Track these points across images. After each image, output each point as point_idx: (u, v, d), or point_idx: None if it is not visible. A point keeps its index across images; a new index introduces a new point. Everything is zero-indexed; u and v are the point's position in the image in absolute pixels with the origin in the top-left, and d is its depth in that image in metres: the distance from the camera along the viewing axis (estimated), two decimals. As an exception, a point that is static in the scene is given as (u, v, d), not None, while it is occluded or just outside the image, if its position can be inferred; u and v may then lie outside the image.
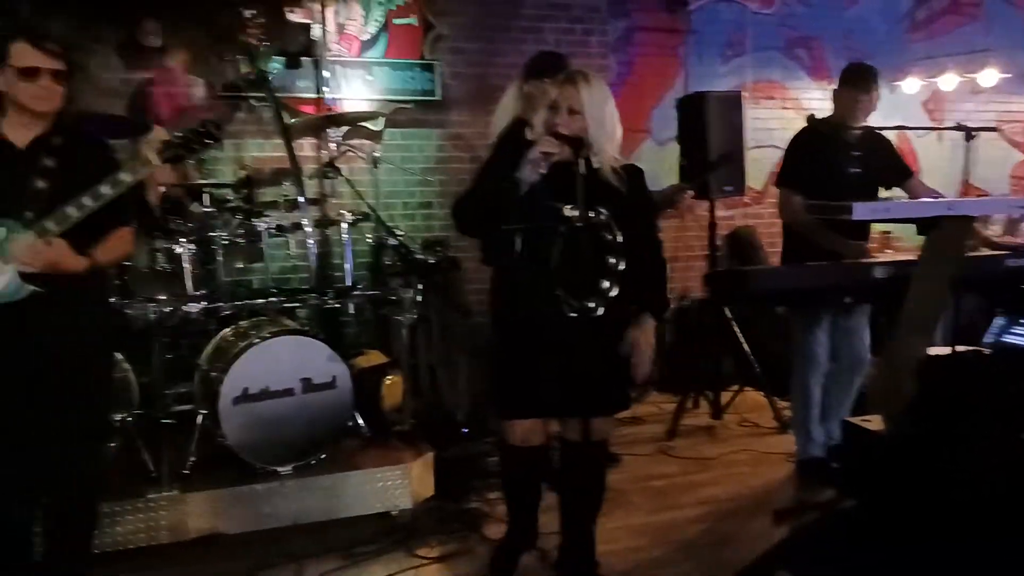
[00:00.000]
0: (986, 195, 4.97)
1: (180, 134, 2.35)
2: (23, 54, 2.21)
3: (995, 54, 5.65)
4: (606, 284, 1.92)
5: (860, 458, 2.49)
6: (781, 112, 5.61)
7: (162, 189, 3.23)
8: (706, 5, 5.42)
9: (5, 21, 2.91)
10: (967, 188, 3.63)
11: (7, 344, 2.13)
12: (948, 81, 5.43)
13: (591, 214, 1.89)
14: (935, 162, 5.76)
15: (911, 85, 5.58)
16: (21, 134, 2.29)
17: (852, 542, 2.25)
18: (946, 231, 2.83)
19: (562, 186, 1.96)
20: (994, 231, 3.84)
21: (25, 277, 2.20)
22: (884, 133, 3.67)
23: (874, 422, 2.67)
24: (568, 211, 1.90)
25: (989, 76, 5.23)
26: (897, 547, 2.15)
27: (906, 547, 2.15)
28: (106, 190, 2.22)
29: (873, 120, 5.36)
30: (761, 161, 5.53)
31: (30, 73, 2.22)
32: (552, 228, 1.90)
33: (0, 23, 2.84)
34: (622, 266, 1.94)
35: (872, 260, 3.12)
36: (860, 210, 2.74)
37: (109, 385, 2.60)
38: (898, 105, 5.83)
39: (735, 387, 4.70)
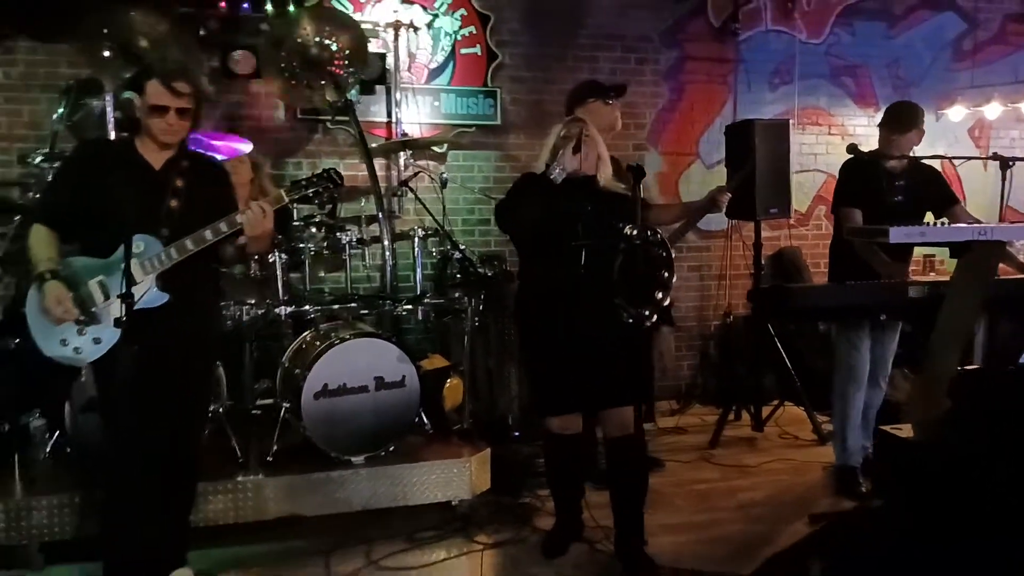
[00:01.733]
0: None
1: (307, 178, 2.72)
2: (156, 92, 2.54)
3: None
4: (660, 295, 2.19)
5: (893, 463, 2.69)
6: (827, 138, 5.80)
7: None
8: (755, 35, 5.66)
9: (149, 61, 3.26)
10: (1004, 214, 3.79)
11: (146, 341, 2.42)
12: (992, 110, 5.57)
13: (648, 233, 2.17)
14: (979, 188, 5.88)
15: (956, 113, 5.73)
16: (156, 156, 2.62)
17: (882, 537, 2.45)
18: (977, 255, 3.03)
19: (618, 208, 2.27)
20: (1026, 259, 3.98)
21: (160, 287, 2.54)
22: (926, 161, 3.87)
23: (905, 430, 2.87)
24: (628, 230, 2.18)
25: (1032, 106, 5.38)
26: (925, 544, 2.35)
27: (934, 544, 2.34)
28: (241, 218, 2.55)
29: (920, 146, 5.59)
30: (806, 184, 5.74)
31: (160, 110, 2.54)
32: (614, 245, 2.18)
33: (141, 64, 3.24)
34: (674, 279, 2.21)
35: (908, 280, 3.32)
36: (895, 234, 2.96)
37: (212, 379, 2.94)
38: (944, 132, 5.99)
39: (776, 401, 4.90)
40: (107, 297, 2.52)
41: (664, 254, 2.17)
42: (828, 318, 3.76)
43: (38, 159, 3.63)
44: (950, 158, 3.90)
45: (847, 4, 5.80)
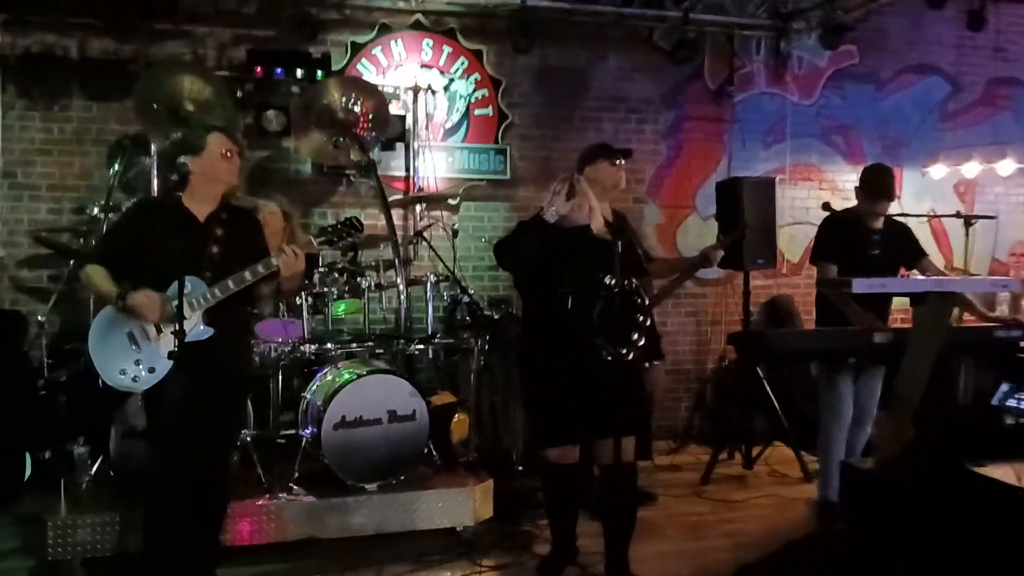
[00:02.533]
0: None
1: (332, 226, 3.12)
2: (220, 142, 2.96)
3: (1016, 144, 6.12)
4: (635, 336, 2.51)
5: (852, 491, 2.97)
6: (818, 192, 6.11)
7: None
8: (749, 97, 6.05)
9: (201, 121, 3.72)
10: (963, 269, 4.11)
11: (193, 371, 2.72)
12: (971, 169, 5.90)
13: (625, 283, 2.50)
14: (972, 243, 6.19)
15: (939, 171, 6.07)
16: (201, 208, 2.98)
17: (843, 557, 2.72)
18: (933, 304, 3.34)
19: (602, 259, 2.62)
20: (1001, 310, 4.26)
21: (206, 322, 2.88)
22: (897, 219, 4.21)
23: (866, 463, 3.15)
24: (607, 280, 2.51)
25: (1007, 166, 5.69)
26: (880, 564, 2.62)
27: (891, 562, 2.60)
28: (276, 261, 2.92)
29: (906, 199, 5.93)
30: (798, 237, 6.07)
31: (226, 156, 2.97)
32: (595, 292, 2.51)
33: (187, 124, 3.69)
34: (648, 322, 2.53)
35: (874, 327, 3.63)
36: (858, 285, 3.28)
37: (245, 407, 3.28)
38: (931, 188, 6.33)
39: (767, 442, 5.16)
40: (160, 332, 2.87)
41: (639, 300, 2.49)
42: (800, 361, 4.06)
43: (95, 210, 4.04)
44: (914, 216, 4.23)
45: (837, 68, 6.19)
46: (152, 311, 2.82)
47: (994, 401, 4.23)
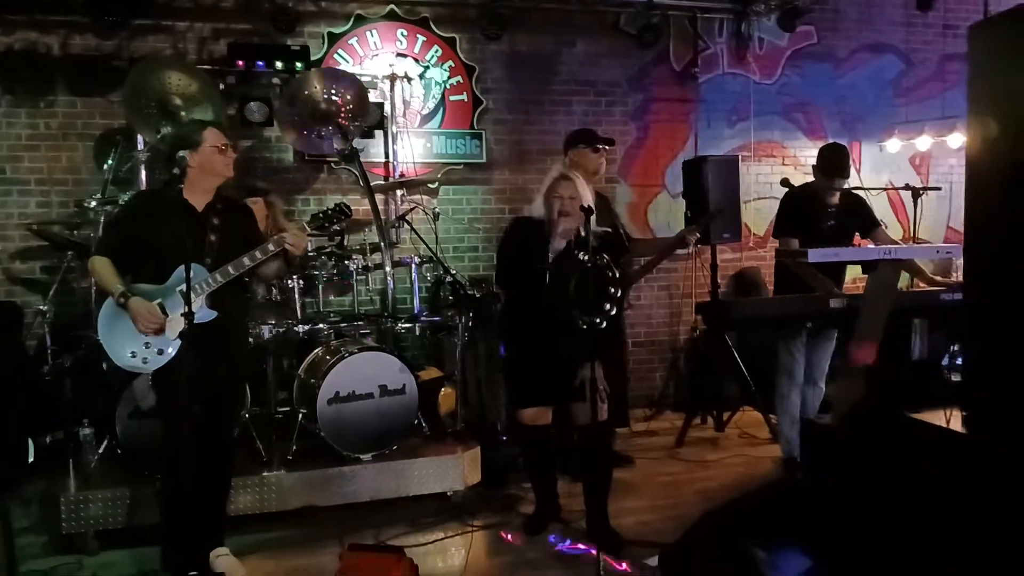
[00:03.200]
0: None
1: (324, 211, 3.35)
2: (215, 136, 3.15)
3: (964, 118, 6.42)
4: (608, 306, 2.75)
5: (811, 444, 3.26)
6: (781, 168, 6.38)
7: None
8: (713, 78, 6.29)
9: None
10: (916, 234, 4.39)
11: (198, 351, 2.93)
12: (923, 142, 6.21)
13: (597, 258, 2.74)
14: (926, 213, 6.50)
15: (893, 145, 6.38)
16: (199, 200, 3.17)
17: (800, 504, 3.00)
18: (883, 271, 3.63)
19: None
20: (957, 276, 4.55)
21: (209, 305, 3.08)
22: (854, 192, 4.49)
23: (824, 419, 3.44)
24: (581, 256, 2.75)
25: (956, 139, 6.00)
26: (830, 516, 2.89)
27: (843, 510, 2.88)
28: (272, 247, 3.14)
29: (865, 172, 6.21)
30: (763, 211, 6.34)
31: (222, 150, 3.15)
32: (571, 268, 2.76)
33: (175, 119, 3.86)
34: (620, 293, 2.78)
35: (831, 294, 3.91)
36: (813, 255, 3.56)
37: (244, 384, 3.48)
38: (888, 161, 6.64)
39: (739, 407, 5.46)
40: (166, 316, 3.06)
41: (611, 275, 2.74)
42: (761, 327, 4.34)
43: (92, 203, 4.20)
44: (866, 188, 4.50)
45: (796, 48, 6.45)
46: (145, 323, 3.00)
47: (944, 362, 4.56)
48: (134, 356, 3.06)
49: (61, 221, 4.88)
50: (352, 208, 5.25)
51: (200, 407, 3.04)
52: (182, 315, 2.82)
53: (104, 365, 3.11)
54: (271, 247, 3.14)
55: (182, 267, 3.02)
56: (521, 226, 3.49)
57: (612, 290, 2.71)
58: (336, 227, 3.31)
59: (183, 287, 2.99)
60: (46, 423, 4.37)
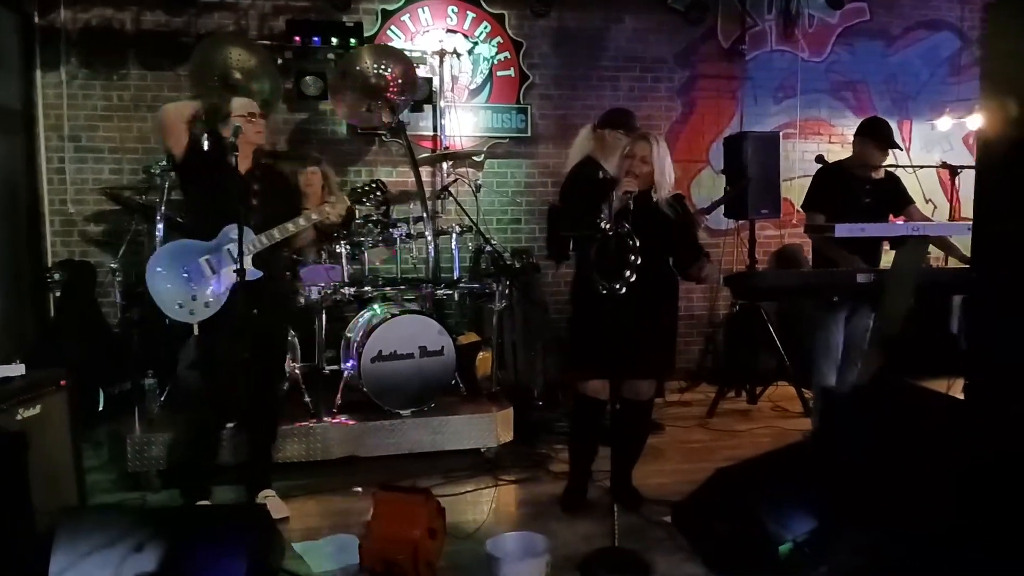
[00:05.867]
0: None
1: (361, 187, 3.55)
2: (243, 104, 3.33)
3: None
4: (628, 273, 2.89)
5: (826, 411, 3.37)
6: (827, 146, 6.38)
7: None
8: (761, 55, 6.31)
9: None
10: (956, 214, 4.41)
11: (250, 306, 3.21)
12: (975, 120, 6.11)
13: (618, 227, 2.88)
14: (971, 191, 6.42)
15: (944, 123, 6.29)
16: (241, 165, 3.31)
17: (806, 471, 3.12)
18: (910, 247, 3.69)
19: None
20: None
21: (256, 265, 3.30)
22: (890, 171, 4.51)
23: (844, 390, 3.54)
24: (603, 224, 2.89)
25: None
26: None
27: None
28: (315, 215, 3.37)
29: (915, 150, 6.16)
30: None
31: (251, 117, 3.31)
32: (591, 235, 2.91)
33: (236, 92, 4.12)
34: (639, 261, 2.91)
35: (857, 268, 3.97)
36: (840, 229, 3.64)
37: (287, 337, 3.72)
38: (938, 139, 6.56)
39: (774, 381, 5.54)
40: (214, 271, 3.30)
41: (631, 242, 2.88)
42: (785, 297, 4.42)
43: (157, 170, 4.52)
44: (903, 166, 4.50)
45: (847, 25, 6.41)
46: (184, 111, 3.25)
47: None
48: (181, 307, 3.29)
49: (131, 187, 5.24)
50: (398, 180, 5.58)
51: (245, 358, 3.25)
52: (235, 272, 3.08)
53: (167, 320, 3.37)
54: (314, 215, 3.36)
55: (228, 227, 3.29)
56: (580, 174, 3.49)
57: (632, 258, 2.85)
58: (373, 199, 3.51)
59: (231, 246, 3.25)
60: (115, 373, 4.74)
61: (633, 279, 2.88)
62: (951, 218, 5.58)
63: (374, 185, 3.56)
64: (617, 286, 2.87)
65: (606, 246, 2.87)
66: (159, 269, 3.32)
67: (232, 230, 3.27)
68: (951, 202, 4.23)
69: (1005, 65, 2.55)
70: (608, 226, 2.86)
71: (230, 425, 3.73)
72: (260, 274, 3.33)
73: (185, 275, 3.30)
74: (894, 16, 6.45)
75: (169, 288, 3.30)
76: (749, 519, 2.85)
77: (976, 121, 6.10)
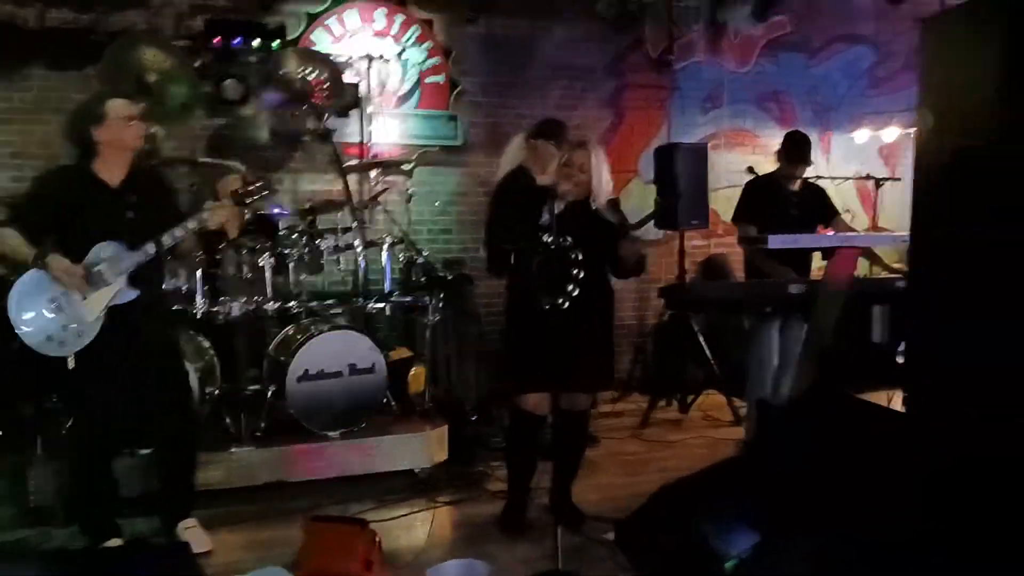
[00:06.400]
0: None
1: (244, 187, 3.22)
2: (121, 107, 3.03)
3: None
4: (571, 287, 2.82)
5: (762, 424, 3.37)
6: (752, 157, 6.42)
7: (247, 216, 4.19)
8: (689, 66, 6.37)
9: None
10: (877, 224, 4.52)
11: (121, 332, 2.99)
12: (890, 133, 6.33)
13: (560, 240, 2.81)
14: (898, 200, 6.64)
15: (862, 135, 6.49)
16: (113, 175, 3.06)
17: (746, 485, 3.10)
18: (840, 257, 3.74)
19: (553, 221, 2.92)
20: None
21: (130, 285, 3.03)
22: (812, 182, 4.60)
23: (778, 401, 3.55)
24: (545, 238, 2.82)
25: (922, 131, 6.12)
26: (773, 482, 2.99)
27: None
28: (192, 224, 3.09)
29: (835, 161, 6.33)
30: (733, 199, 6.27)
31: (131, 120, 3.04)
32: (534, 248, 2.82)
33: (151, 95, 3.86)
34: (583, 275, 2.84)
35: (789, 279, 4.02)
36: (773, 240, 3.66)
37: (179, 354, 3.41)
38: (856, 151, 6.75)
39: (703, 390, 5.58)
40: (84, 297, 2.99)
41: (574, 256, 2.81)
42: (721, 309, 4.45)
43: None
44: (830, 178, 4.61)
45: (770, 38, 6.54)
46: (71, 280, 2.92)
47: (899, 347, 4.69)
48: (50, 340, 2.97)
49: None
50: (323, 188, 5.37)
51: (133, 385, 3.06)
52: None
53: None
54: (191, 224, 3.09)
55: (99, 245, 3.00)
56: (514, 183, 3.35)
57: (575, 272, 2.78)
58: (255, 200, 3.24)
59: (102, 266, 2.98)
60: (16, 396, 4.37)
61: (576, 293, 2.81)
62: (869, 229, 5.77)
63: (259, 184, 3.24)
64: (560, 301, 2.79)
65: (548, 260, 2.79)
66: (21, 300, 2.95)
67: (104, 248, 3.01)
68: (872, 212, 4.31)
69: (938, 77, 2.59)
70: (551, 239, 2.77)
71: (144, 452, 3.50)
72: (137, 293, 3.07)
73: (53, 303, 2.97)
74: (814, 29, 6.62)
75: (34, 319, 2.96)
76: (693, 536, 2.81)
77: (892, 134, 6.32)
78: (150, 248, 3.03)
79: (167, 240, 3.06)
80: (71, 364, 3.03)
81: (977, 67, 2.45)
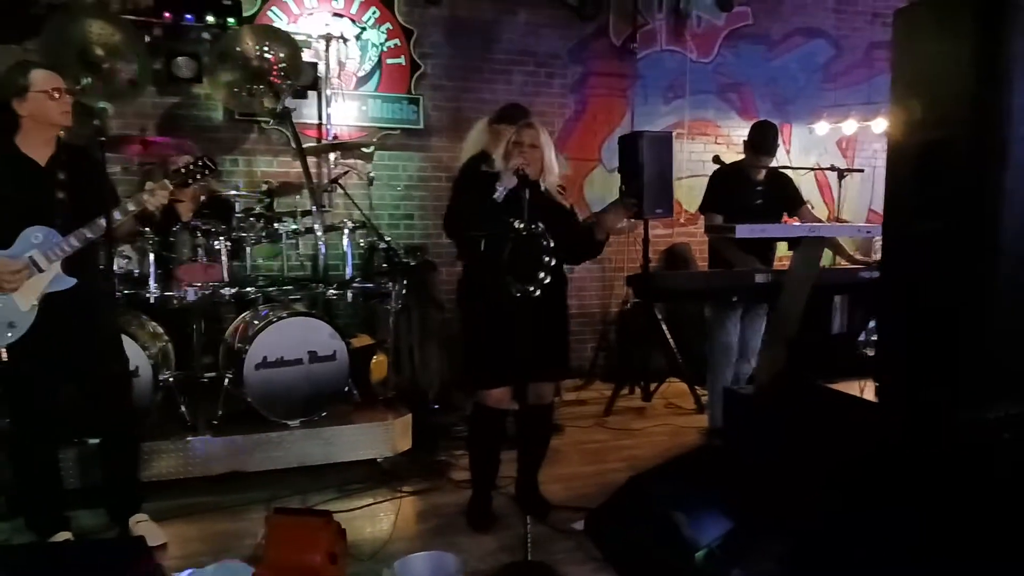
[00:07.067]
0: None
1: (184, 166, 3.02)
2: (47, 78, 2.80)
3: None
4: (542, 274, 2.77)
5: (731, 413, 3.37)
6: (714, 146, 6.51)
7: (202, 198, 4.03)
8: (651, 54, 6.35)
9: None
10: (838, 214, 4.57)
11: (57, 321, 2.84)
12: (849, 126, 6.42)
13: (532, 226, 2.74)
14: (854, 195, 6.75)
15: (821, 128, 6.57)
16: (40, 153, 2.84)
17: (719, 469, 3.11)
18: (807, 247, 3.75)
19: (515, 206, 2.84)
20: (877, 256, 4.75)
21: (66, 272, 2.87)
22: (780, 171, 4.62)
23: (746, 389, 3.56)
24: (516, 224, 2.75)
25: (880, 124, 6.22)
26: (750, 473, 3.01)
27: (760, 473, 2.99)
28: (132, 206, 2.90)
29: (795, 152, 6.39)
30: (695, 188, 6.40)
31: (57, 94, 2.81)
32: (505, 235, 2.75)
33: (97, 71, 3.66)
34: (553, 262, 2.79)
35: (755, 268, 4.03)
36: (741, 230, 3.64)
37: (121, 346, 3.22)
38: (816, 143, 6.84)
39: (666, 379, 5.60)
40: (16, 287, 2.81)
41: (546, 243, 2.75)
42: (687, 299, 4.46)
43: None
44: (793, 168, 4.63)
45: (732, 28, 6.56)
46: (8, 279, 2.77)
47: (860, 337, 4.76)
48: None
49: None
50: (279, 170, 5.22)
51: (67, 377, 2.94)
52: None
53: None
54: (131, 206, 2.91)
55: (29, 230, 2.83)
56: (470, 175, 3.30)
57: (547, 259, 2.72)
58: (196, 183, 3.06)
59: (33, 252, 2.82)
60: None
61: (548, 281, 2.75)
62: (829, 219, 5.85)
63: (200, 164, 3.03)
64: (531, 289, 2.73)
65: (519, 247, 2.72)
66: None
67: (34, 233, 2.83)
68: (834, 203, 4.35)
69: (912, 68, 2.59)
70: (521, 225, 2.71)
71: (93, 441, 3.36)
72: (74, 281, 2.90)
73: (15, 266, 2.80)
74: (774, 21, 6.67)
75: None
76: (663, 526, 2.79)
77: (851, 127, 6.40)
78: (87, 232, 2.85)
79: (103, 224, 2.85)
80: (3, 356, 2.85)
81: (949, 58, 2.45)
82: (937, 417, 2.36)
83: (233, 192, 4.37)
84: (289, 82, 4.40)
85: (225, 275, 3.87)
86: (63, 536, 3.04)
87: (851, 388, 2.70)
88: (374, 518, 3.50)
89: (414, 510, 3.63)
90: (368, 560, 3.01)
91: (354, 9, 5.50)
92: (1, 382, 2.99)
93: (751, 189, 4.43)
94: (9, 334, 2.84)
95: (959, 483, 2.25)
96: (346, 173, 4.77)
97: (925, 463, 2.25)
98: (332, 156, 5.23)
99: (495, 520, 3.40)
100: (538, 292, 2.75)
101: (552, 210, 3.18)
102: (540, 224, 2.74)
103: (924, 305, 2.44)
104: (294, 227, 4.12)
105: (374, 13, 5.55)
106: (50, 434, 3.08)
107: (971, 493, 2.22)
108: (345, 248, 4.36)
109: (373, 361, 4.42)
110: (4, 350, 2.85)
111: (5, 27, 4.78)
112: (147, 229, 3.59)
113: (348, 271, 4.35)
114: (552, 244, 2.78)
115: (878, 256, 4.80)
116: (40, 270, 2.84)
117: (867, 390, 2.63)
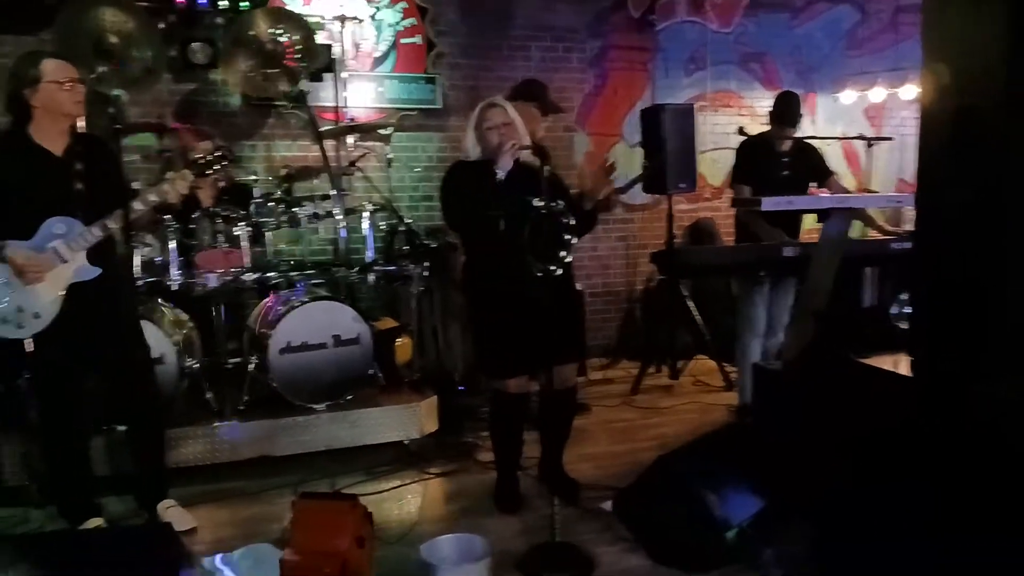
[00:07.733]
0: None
1: (202, 156, 3.02)
2: (59, 68, 2.78)
3: (919, 70, 6.48)
4: (563, 253, 2.73)
5: (761, 389, 3.31)
6: (738, 118, 6.34)
7: (221, 184, 4.02)
8: (671, 26, 6.22)
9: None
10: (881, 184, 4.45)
11: (82, 310, 2.85)
12: (876, 94, 6.25)
13: (552, 204, 2.70)
14: (882, 164, 6.60)
15: (848, 96, 6.41)
16: (56, 143, 2.83)
17: (750, 447, 3.06)
18: (835, 219, 3.66)
19: (516, 187, 2.82)
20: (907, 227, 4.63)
21: (91, 262, 2.88)
22: (805, 141, 4.51)
23: (775, 364, 3.49)
24: (536, 202, 2.70)
25: (909, 91, 6.06)
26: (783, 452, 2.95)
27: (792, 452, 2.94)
28: (154, 196, 2.91)
29: (820, 123, 6.25)
30: (719, 161, 6.34)
31: (69, 85, 2.78)
32: (524, 214, 2.71)
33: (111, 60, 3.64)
34: (575, 240, 2.75)
35: (784, 242, 3.94)
36: (767, 203, 3.57)
37: (142, 334, 3.20)
38: (842, 113, 6.67)
39: (693, 356, 5.53)
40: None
41: (566, 221, 2.71)
42: (714, 274, 4.38)
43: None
44: (822, 138, 4.52)
45: (753, -3, 6.41)
46: (33, 271, 2.78)
47: (892, 310, 4.65)
48: (6, 323, 2.83)
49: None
50: (298, 154, 5.20)
51: (92, 366, 2.96)
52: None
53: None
54: (152, 196, 2.91)
55: (50, 221, 2.82)
56: (460, 170, 3.28)
57: (567, 237, 2.68)
58: (215, 172, 3.05)
59: (56, 243, 2.82)
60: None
61: (569, 260, 2.71)
62: (857, 190, 5.71)
63: (219, 154, 3.04)
64: (552, 267, 2.69)
65: (539, 226, 2.67)
66: None
67: (56, 224, 2.82)
68: (862, 173, 4.24)
69: (944, 34, 2.49)
70: (541, 204, 2.66)
71: (121, 428, 3.38)
72: (99, 271, 2.91)
73: (3, 284, 2.81)
74: (797, -12, 6.50)
75: (25, 282, 2.81)
76: (693, 506, 2.75)
77: (879, 95, 6.24)
78: (110, 222, 2.85)
79: (123, 216, 2.85)
80: (29, 347, 2.87)
81: (982, 25, 2.35)
82: (954, 390, 2.28)
83: (252, 177, 4.36)
84: (304, 65, 4.36)
85: (246, 261, 3.86)
86: (95, 523, 3.07)
87: (883, 362, 2.62)
88: (401, 500, 3.50)
89: (441, 492, 3.63)
90: (396, 543, 3.00)
91: (368, -11, 5.44)
92: (29, 372, 3.00)
93: (777, 160, 4.33)
94: (35, 325, 2.86)
95: (981, 457, 2.18)
96: (364, 155, 4.74)
97: (947, 437, 2.19)
98: (350, 139, 5.18)
99: (522, 501, 3.38)
100: (560, 271, 2.71)
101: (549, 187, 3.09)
102: (561, 202, 2.69)
103: (952, 277, 2.36)
104: (314, 211, 4.09)
105: (388, -8, 5.48)
106: (79, 422, 3.10)
107: (991, 467, 2.15)
108: (365, 231, 4.32)
109: (397, 343, 4.41)
110: (31, 340, 2.87)
111: (20, 19, 4.78)
112: (167, 217, 3.59)
113: (369, 254, 4.32)
114: (572, 222, 2.73)
115: (909, 227, 4.70)
116: (63, 260, 2.85)
117: (900, 364, 2.56)
